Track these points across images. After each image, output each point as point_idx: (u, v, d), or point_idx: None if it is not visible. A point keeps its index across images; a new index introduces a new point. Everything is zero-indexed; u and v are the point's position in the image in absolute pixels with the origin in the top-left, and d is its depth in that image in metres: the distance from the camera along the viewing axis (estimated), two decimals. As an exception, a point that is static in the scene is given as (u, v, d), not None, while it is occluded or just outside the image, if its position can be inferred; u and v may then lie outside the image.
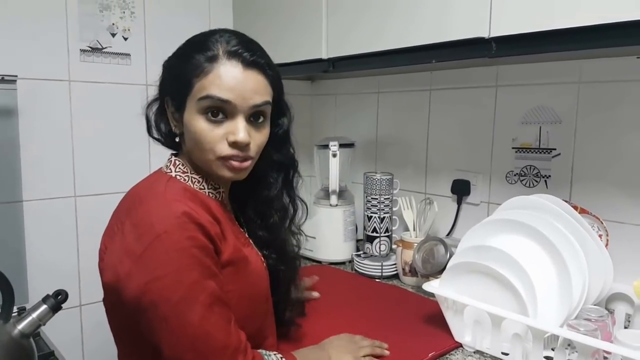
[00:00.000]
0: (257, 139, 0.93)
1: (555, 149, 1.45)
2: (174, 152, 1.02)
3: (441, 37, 1.21)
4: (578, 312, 1.10)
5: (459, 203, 1.71)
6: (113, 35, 1.73)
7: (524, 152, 1.52)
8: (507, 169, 1.58)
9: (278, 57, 1.63)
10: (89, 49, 1.68)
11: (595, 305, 1.17)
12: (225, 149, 0.89)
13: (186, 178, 0.95)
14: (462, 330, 1.20)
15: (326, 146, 1.80)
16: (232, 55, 0.88)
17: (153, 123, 1.01)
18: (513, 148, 1.55)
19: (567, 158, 1.43)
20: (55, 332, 1.35)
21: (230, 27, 1.97)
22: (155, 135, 1.02)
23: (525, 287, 1.10)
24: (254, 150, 0.93)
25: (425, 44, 1.25)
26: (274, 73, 0.94)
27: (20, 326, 0.98)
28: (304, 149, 2.26)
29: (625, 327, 1.22)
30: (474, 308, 1.15)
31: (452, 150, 1.74)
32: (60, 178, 1.66)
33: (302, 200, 1.13)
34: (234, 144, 0.89)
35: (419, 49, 1.28)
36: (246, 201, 1.07)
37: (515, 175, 1.55)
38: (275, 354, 0.95)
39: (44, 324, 1.02)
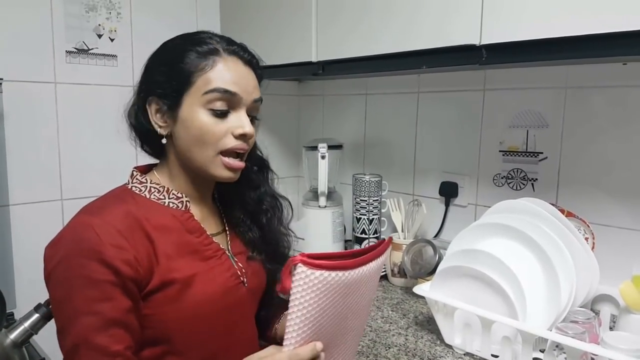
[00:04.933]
0: (254, 134, 0.95)
1: (542, 153, 1.47)
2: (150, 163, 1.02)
3: (432, 44, 1.22)
4: (566, 315, 1.13)
5: (447, 205, 1.73)
6: (99, 36, 1.71)
7: (511, 155, 1.54)
8: (494, 171, 1.59)
9: (267, 59, 1.62)
10: (75, 50, 1.66)
11: (581, 306, 1.19)
12: (230, 142, 0.90)
13: (143, 188, 0.93)
14: (452, 332, 1.22)
15: (314, 147, 1.79)
16: (231, 52, 0.91)
17: (139, 134, 0.99)
18: (500, 151, 1.57)
19: (553, 162, 1.45)
20: (45, 338, 1.33)
21: (218, 28, 1.96)
22: (148, 150, 1.02)
23: (515, 291, 1.12)
24: (251, 144, 0.95)
25: (417, 49, 1.26)
26: (261, 74, 0.98)
27: (13, 335, 0.98)
28: (291, 150, 2.26)
29: (611, 328, 1.25)
30: (464, 311, 1.17)
31: (440, 152, 1.76)
32: (47, 181, 1.64)
33: (284, 197, 1.12)
34: (241, 137, 0.91)
35: (409, 54, 1.29)
36: (232, 204, 1.06)
37: (502, 178, 1.57)
38: None
39: (36, 333, 1.01)
